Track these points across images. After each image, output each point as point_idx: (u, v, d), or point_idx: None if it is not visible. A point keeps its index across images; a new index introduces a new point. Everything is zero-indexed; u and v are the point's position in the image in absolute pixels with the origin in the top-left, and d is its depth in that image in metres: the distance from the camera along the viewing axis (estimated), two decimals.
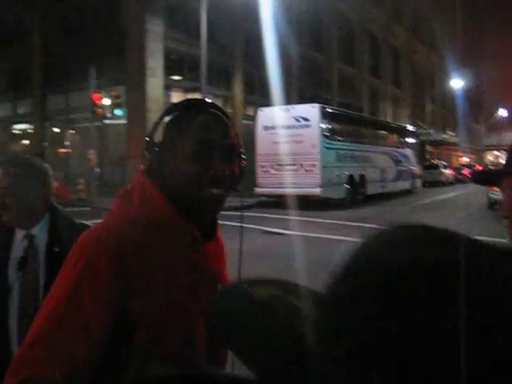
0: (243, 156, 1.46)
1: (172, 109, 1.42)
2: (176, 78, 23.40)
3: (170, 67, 22.32)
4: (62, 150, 26.58)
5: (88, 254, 1.25)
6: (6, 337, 2.01)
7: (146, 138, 1.40)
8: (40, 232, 2.13)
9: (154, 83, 21.05)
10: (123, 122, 21.62)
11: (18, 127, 29.16)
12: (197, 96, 21.74)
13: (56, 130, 27.15)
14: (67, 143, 26.45)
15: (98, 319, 1.20)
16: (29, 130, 27.87)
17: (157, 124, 1.40)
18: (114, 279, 1.22)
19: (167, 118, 1.39)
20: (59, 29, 24.81)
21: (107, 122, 21.44)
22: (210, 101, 1.46)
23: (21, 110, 28.37)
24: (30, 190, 2.14)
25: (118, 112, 20.33)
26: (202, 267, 1.40)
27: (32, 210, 2.14)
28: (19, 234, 2.13)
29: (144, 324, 1.25)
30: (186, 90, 23.30)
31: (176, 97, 23.16)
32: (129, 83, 21.33)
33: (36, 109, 26.55)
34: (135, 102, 20.73)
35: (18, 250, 2.10)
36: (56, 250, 2.08)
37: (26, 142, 28.16)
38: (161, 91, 21.36)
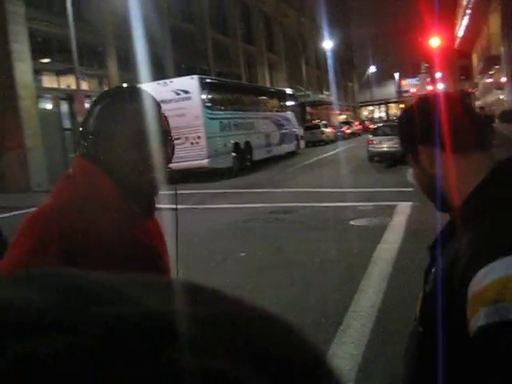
0: (172, 137, 1.56)
1: (103, 97, 1.48)
2: (45, 60, 22.29)
3: (38, 50, 21.19)
4: None
5: (37, 233, 1.32)
6: None
7: (80, 128, 1.46)
8: None
9: (22, 68, 19.89)
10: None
11: None
12: (71, 78, 20.95)
13: None
14: None
15: None
16: None
17: (89, 112, 1.45)
18: (62, 256, 1.30)
19: (98, 107, 1.44)
20: None
21: None
22: (139, 88, 1.54)
23: None
24: None
25: None
26: (145, 242, 1.50)
27: None
28: None
29: None
30: (59, 73, 22.31)
31: (48, 81, 22.13)
32: None
33: None
34: (3, 89, 19.54)
35: None
36: None
37: None
38: (30, 76, 20.25)
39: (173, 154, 1.56)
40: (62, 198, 1.43)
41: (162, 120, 1.51)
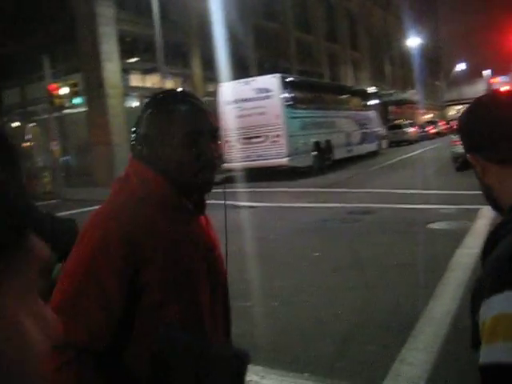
0: (223, 135, 1.61)
1: (152, 101, 1.53)
2: (132, 60, 23.06)
3: (126, 50, 21.96)
4: (24, 144, 26.12)
5: (101, 231, 1.39)
6: None
7: (133, 132, 1.51)
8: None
9: (111, 68, 20.70)
10: (83, 109, 21.29)
11: None
12: (156, 77, 21.56)
13: (15, 124, 26.62)
14: (28, 137, 25.99)
15: (114, 289, 1.36)
16: None
17: (140, 117, 1.50)
18: (125, 253, 1.36)
19: (149, 111, 1.50)
20: (8, 19, 24.17)
21: (66, 111, 21.09)
22: (186, 91, 1.60)
23: None
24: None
25: (76, 100, 19.99)
26: (200, 237, 1.56)
27: None
28: None
29: (150, 290, 1.40)
30: (145, 72, 23.00)
31: (135, 79, 22.86)
32: (84, 70, 20.94)
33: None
34: (93, 89, 20.40)
35: None
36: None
37: None
38: (118, 75, 21.04)
39: (223, 152, 1.63)
40: (118, 200, 1.48)
41: (212, 118, 1.54)
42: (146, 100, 1.57)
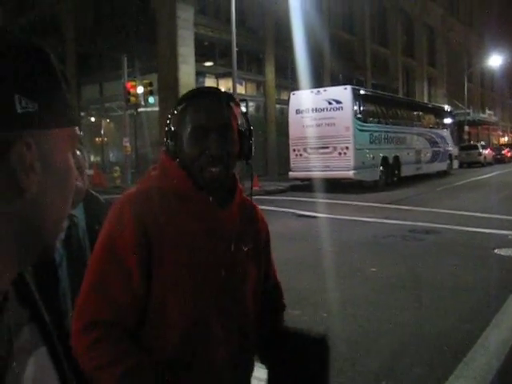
0: (249, 134, 1.62)
1: (181, 100, 1.57)
2: (208, 64, 23.46)
3: (202, 53, 22.39)
4: (98, 139, 27.03)
5: (116, 214, 1.49)
6: (59, 310, 2.14)
7: (165, 127, 1.58)
8: (78, 212, 2.30)
9: (186, 70, 21.15)
10: (156, 109, 21.80)
11: None
12: (229, 81, 21.86)
13: (92, 119, 27.60)
14: (102, 132, 26.88)
15: (133, 266, 1.44)
16: None
17: (171, 114, 1.57)
18: (138, 232, 1.44)
19: (179, 107, 1.56)
20: (91, 19, 25.12)
21: (141, 109, 21.67)
22: (210, 87, 1.63)
23: None
24: (86, 173, 2.35)
25: (151, 100, 20.50)
26: (217, 230, 1.56)
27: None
28: None
29: (162, 273, 1.47)
30: (218, 76, 23.34)
31: (208, 83, 23.22)
32: (161, 71, 21.48)
33: (72, 99, 26.91)
34: (167, 89, 20.87)
35: None
36: (97, 227, 2.20)
37: None
38: (193, 78, 21.46)
39: (250, 150, 1.63)
40: (139, 187, 1.57)
41: (226, 113, 1.54)
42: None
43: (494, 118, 59.33)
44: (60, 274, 2.17)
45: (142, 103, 20.40)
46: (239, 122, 1.61)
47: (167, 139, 1.57)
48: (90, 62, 25.15)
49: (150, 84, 20.01)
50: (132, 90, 19.85)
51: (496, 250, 9.08)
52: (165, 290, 1.47)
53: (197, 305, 1.51)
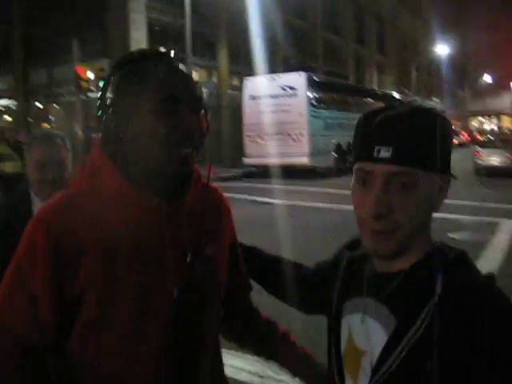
0: (206, 111, 1.29)
1: (122, 63, 1.24)
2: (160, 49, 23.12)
3: (154, 38, 22.03)
4: (46, 126, 26.31)
5: (28, 234, 1.19)
6: None
7: (98, 98, 1.26)
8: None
9: None
10: (108, 95, 21.32)
11: (1, 103, 28.70)
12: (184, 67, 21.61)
13: (39, 105, 26.82)
14: (51, 118, 26.18)
15: (41, 294, 1.16)
16: (12, 106, 27.50)
17: (107, 82, 1.25)
18: (50, 255, 1.15)
19: (119, 73, 1.24)
20: (39, 1, 24.34)
21: (92, 95, 21.20)
22: (164, 50, 1.27)
23: (3, 86, 27.88)
24: (69, 164, 2.28)
25: (101, 85, 20.04)
26: (167, 235, 1.24)
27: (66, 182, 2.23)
28: (38, 205, 2.20)
29: (90, 299, 1.17)
30: None
31: None
32: (112, 56, 21.04)
33: (18, 84, 26.15)
34: None
35: None
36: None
37: (9, 118, 27.81)
38: None
39: (208, 129, 1.28)
40: (58, 196, 1.25)
41: (194, 84, 1.25)
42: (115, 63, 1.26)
43: (440, 106, 60.73)
44: None
45: (93, 89, 19.95)
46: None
47: (102, 114, 1.23)
48: (38, 45, 24.38)
49: (102, 69, 19.58)
50: (83, 75, 19.38)
51: (450, 234, 9.35)
52: (97, 315, 1.18)
53: (138, 340, 1.21)
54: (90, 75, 19.38)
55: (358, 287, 1.15)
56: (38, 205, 2.20)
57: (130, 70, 1.22)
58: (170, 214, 1.23)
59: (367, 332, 1.10)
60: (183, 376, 1.26)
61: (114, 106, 1.22)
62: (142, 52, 1.26)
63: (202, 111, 1.26)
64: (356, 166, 1.09)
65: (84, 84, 19.16)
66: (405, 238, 1.06)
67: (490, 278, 1.04)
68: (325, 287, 1.30)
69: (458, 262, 1.09)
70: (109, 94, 1.25)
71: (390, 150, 1.02)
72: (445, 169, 1.12)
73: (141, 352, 1.21)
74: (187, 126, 1.19)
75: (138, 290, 1.19)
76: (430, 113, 1.11)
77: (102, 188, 1.21)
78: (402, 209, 1.03)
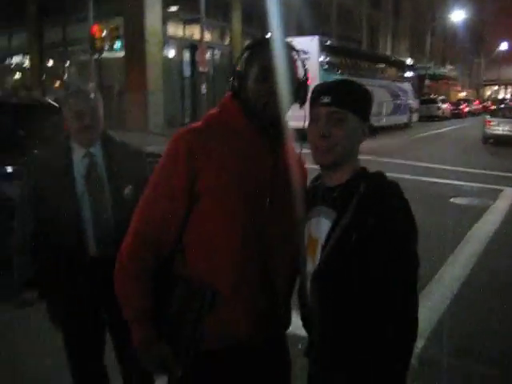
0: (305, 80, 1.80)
1: (250, 45, 1.78)
2: (174, 9, 23.06)
3: None
4: (59, 83, 26.41)
5: (172, 143, 1.70)
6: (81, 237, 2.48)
7: (235, 67, 1.78)
8: (97, 151, 2.54)
9: (152, 16, 20.79)
10: (121, 54, 21.46)
11: (14, 60, 28.79)
12: (195, 28, 21.66)
13: (53, 63, 26.88)
14: (64, 76, 26.28)
15: (180, 188, 1.66)
16: (25, 63, 27.64)
17: (240, 57, 1.77)
18: (188, 160, 1.64)
19: (247, 51, 1.76)
20: None
21: (105, 54, 21.31)
22: (284, 40, 1.78)
23: (16, 43, 27.93)
24: (102, 113, 2.57)
25: (118, 45, 20.08)
26: (262, 171, 1.72)
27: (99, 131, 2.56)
28: (78, 152, 2.51)
29: (207, 194, 1.66)
30: (185, 22, 23.04)
31: (175, 28, 22.94)
32: (127, 15, 21.08)
33: (32, 41, 26.24)
34: (133, 35, 20.56)
35: (80, 167, 2.50)
36: (115, 170, 2.53)
37: (19, 75, 28.03)
38: (159, 23, 21.14)
39: (305, 95, 1.79)
40: (194, 125, 1.76)
41: (293, 63, 1.75)
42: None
43: (454, 73, 60.17)
44: (82, 206, 2.46)
45: (107, 48, 20.01)
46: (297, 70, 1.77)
47: (232, 78, 1.76)
48: (53, 3, 24.38)
49: (116, 28, 19.66)
50: (97, 34, 19.40)
51: (452, 199, 9.67)
52: (212, 212, 1.66)
53: (245, 229, 1.67)
54: (105, 34, 19.40)
55: (316, 200, 1.73)
56: (77, 152, 2.51)
57: (252, 51, 1.75)
58: (273, 152, 1.75)
59: (319, 226, 1.67)
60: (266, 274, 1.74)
61: (238, 73, 1.75)
62: (262, 39, 1.78)
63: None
64: (310, 111, 1.69)
65: (98, 43, 19.20)
66: (339, 154, 1.64)
67: (394, 182, 1.65)
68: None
69: (376, 175, 1.68)
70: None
71: (330, 98, 1.63)
72: (365, 119, 1.72)
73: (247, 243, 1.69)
74: (273, 91, 1.66)
75: (241, 200, 1.67)
76: (358, 83, 1.78)
77: (229, 120, 1.74)
78: (337, 134, 1.62)
